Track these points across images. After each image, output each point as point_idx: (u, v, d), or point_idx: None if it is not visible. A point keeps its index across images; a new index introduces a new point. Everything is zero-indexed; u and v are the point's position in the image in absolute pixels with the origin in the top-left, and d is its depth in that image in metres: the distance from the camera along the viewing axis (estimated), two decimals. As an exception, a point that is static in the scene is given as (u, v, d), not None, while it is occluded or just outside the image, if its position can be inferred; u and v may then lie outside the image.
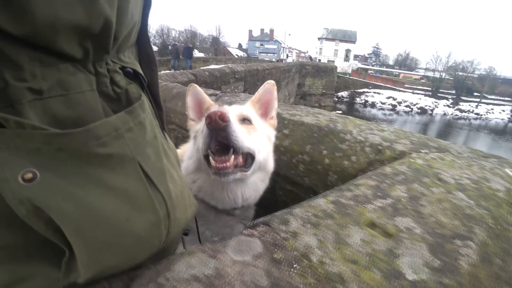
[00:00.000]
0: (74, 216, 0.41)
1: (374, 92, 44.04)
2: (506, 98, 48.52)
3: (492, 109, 43.35)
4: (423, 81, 59.51)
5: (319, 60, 63.69)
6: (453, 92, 48.54)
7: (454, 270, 0.59)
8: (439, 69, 55.55)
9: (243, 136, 1.00)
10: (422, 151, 1.27)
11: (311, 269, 0.52)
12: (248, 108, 1.25)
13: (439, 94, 46.83)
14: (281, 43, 78.16)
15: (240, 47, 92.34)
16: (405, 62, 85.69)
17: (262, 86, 1.31)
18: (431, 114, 40.86)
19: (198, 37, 65.87)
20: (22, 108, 0.38)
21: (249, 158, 1.08)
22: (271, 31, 79.45)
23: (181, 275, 0.46)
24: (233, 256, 0.52)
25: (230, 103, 2.24)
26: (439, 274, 0.57)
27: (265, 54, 72.77)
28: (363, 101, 42.57)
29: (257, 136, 1.14)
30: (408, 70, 79.63)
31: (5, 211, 0.37)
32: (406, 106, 41.89)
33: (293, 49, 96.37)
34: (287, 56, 74.12)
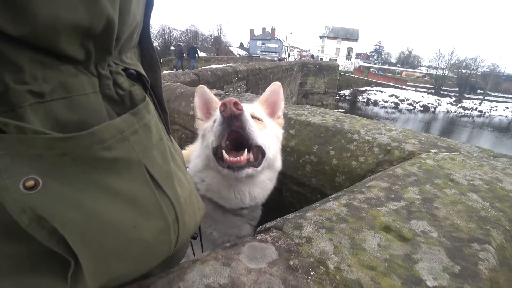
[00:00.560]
0: (79, 224, 0.40)
1: (377, 90, 43.92)
2: (510, 95, 48.18)
3: (495, 106, 43.07)
4: (426, 78, 59.24)
5: (321, 58, 63.55)
6: (456, 89, 48.33)
7: (475, 276, 0.57)
8: (442, 67, 55.23)
9: (256, 128, 1.00)
10: (432, 151, 1.25)
11: (328, 276, 0.51)
12: (257, 107, 1.26)
13: (442, 92, 46.62)
14: (282, 42, 77.99)
15: (241, 46, 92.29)
16: (408, 60, 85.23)
17: (269, 87, 1.31)
18: (434, 112, 40.67)
19: (200, 36, 65.84)
20: (23, 112, 0.37)
21: (259, 154, 1.08)
22: (273, 30, 79.35)
23: (195, 285, 0.45)
24: (248, 264, 0.51)
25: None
26: (460, 280, 0.55)
27: (266, 53, 72.60)
28: (365, 99, 42.47)
29: (267, 132, 1.14)
30: (411, 68, 79.22)
31: (7, 220, 0.36)
32: (409, 104, 41.75)
33: (294, 47, 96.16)
34: (289, 55, 73.93)
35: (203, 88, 1.29)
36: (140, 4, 0.53)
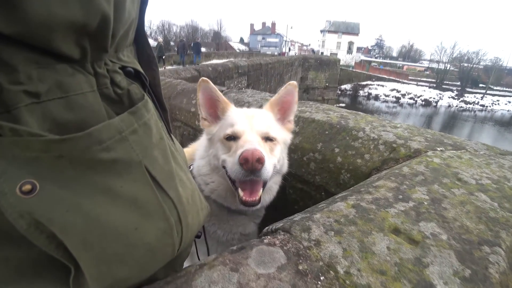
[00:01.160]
0: (79, 228, 0.39)
1: (378, 85, 43.73)
2: (512, 89, 47.88)
3: (497, 100, 42.88)
4: (428, 72, 58.88)
5: (322, 53, 63.20)
6: (458, 83, 48.07)
7: (486, 280, 0.56)
8: (444, 61, 54.83)
9: (271, 166, 1.01)
10: (438, 148, 1.24)
11: (338, 281, 0.50)
12: (269, 118, 1.19)
13: (443, 86, 46.39)
14: (283, 37, 77.45)
15: (241, 41, 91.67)
16: (409, 54, 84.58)
17: (283, 87, 1.23)
18: (435, 106, 40.50)
19: (200, 31, 65.33)
20: (19, 113, 0.36)
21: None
22: (273, 24, 78.71)
23: (204, 291, 0.44)
24: (256, 269, 0.50)
25: (237, 100, 2.21)
26: (471, 285, 0.54)
27: (267, 48, 72.22)
28: (366, 93, 42.31)
29: (278, 149, 1.13)
30: (412, 62, 78.65)
31: (5, 224, 0.35)
32: (410, 98, 41.58)
33: (295, 42, 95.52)
34: (289, 49, 73.51)
35: (206, 83, 1.15)
36: (135, 1, 0.52)
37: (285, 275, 0.49)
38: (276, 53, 49.79)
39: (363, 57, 72.04)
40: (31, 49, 0.36)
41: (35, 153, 0.36)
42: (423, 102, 40.89)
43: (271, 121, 1.19)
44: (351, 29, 73.36)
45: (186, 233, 0.55)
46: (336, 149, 1.40)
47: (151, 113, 0.53)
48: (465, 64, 51.46)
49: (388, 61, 75.01)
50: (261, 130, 1.10)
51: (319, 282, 0.49)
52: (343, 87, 41.56)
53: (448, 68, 52.49)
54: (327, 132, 1.50)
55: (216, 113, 1.20)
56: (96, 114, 0.43)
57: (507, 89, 48.66)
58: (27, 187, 0.35)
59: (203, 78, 1.17)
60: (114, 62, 0.50)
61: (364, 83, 43.91)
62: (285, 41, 76.49)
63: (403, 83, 45.74)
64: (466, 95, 43.50)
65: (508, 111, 40.38)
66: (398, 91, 42.41)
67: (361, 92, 42.53)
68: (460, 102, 41.73)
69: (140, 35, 0.60)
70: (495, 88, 48.63)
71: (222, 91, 2.59)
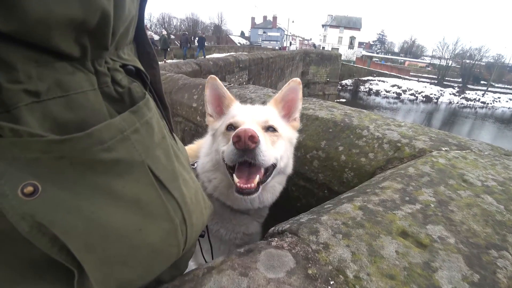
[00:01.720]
0: (81, 230, 0.38)
1: (379, 80, 43.57)
2: (514, 87, 47.74)
3: (499, 97, 42.78)
4: (429, 69, 58.60)
5: (323, 47, 62.83)
6: (460, 80, 47.89)
7: (494, 285, 0.56)
8: (446, 57, 54.48)
9: (269, 153, 0.96)
10: (443, 148, 1.23)
11: (348, 286, 0.50)
12: (272, 112, 1.18)
13: (445, 82, 46.22)
14: (284, 31, 76.79)
15: (242, 35, 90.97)
16: (411, 50, 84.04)
17: (286, 84, 1.22)
18: (436, 103, 40.43)
19: (200, 25, 64.80)
20: (19, 113, 0.35)
21: (270, 167, 1.04)
22: (274, 18, 78.03)
23: (214, 297, 0.44)
24: (266, 273, 0.50)
25: (239, 96, 2.19)
26: (480, 290, 0.54)
27: (268, 42, 71.69)
28: (367, 89, 42.18)
29: (280, 143, 1.09)
30: (414, 57, 78.22)
31: (7, 227, 0.34)
32: (411, 94, 41.46)
33: (296, 36, 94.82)
34: (290, 43, 72.93)
35: (214, 80, 1.18)
36: None
37: (294, 279, 0.49)
38: (277, 47, 49.44)
39: (364, 52, 71.59)
40: (30, 47, 0.36)
41: (35, 154, 0.35)
42: (424, 99, 40.79)
43: (274, 115, 1.17)
44: (353, 24, 72.75)
45: (191, 233, 0.55)
46: (340, 147, 1.40)
47: (152, 111, 0.52)
48: (467, 61, 51.19)
49: (389, 56, 74.59)
50: (261, 119, 1.09)
51: (329, 287, 0.49)
52: (344, 82, 41.42)
53: (449, 65, 52.22)
54: (331, 130, 1.49)
55: (221, 109, 1.21)
56: (97, 113, 0.43)
57: (508, 86, 48.51)
58: (29, 189, 0.34)
59: (212, 76, 1.18)
60: (114, 60, 0.49)
61: (365, 78, 43.73)
62: (286, 35, 75.86)
63: (404, 79, 45.57)
64: (467, 92, 43.39)
65: (509, 108, 40.34)
66: (399, 87, 42.27)
67: (362, 88, 42.38)
68: (461, 99, 41.65)
69: (140, 33, 0.59)
70: (496, 85, 48.48)
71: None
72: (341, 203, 0.77)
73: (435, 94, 41.69)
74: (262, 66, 11.47)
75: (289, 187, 1.66)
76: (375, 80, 43.55)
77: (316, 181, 1.51)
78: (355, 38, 73.07)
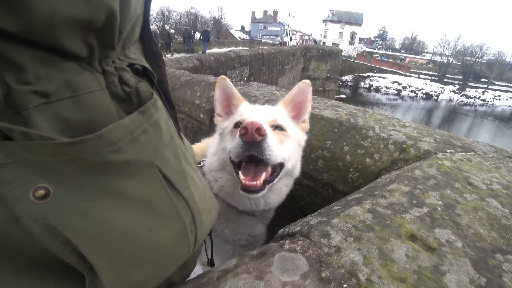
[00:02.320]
0: (93, 233, 0.39)
1: (379, 77, 43.47)
2: (514, 84, 47.68)
3: (499, 95, 42.76)
4: (430, 65, 58.42)
5: (324, 43, 62.45)
6: (460, 77, 47.79)
7: (501, 288, 0.58)
8: (447, 54, 54.29)
9: (276, 150, 0.95)
10: (448, 150, 1.24)
11: (360, 289, 0.51)
12: (281, 111, 1.18)
13: (445, 80, 46.15)
14: (284, 26, 76.29)
15: (242, 29, 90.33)
16: (412, 46, 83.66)
17: (296, 86, 1.22)
18: (436, 100, 40.39)
19: (200, 19, 64.20)
20: (29, 114, 0.35)
21: (277, 167, 1.03)
22: (275, 13, 77.42)
23: (233, 301, 0.45)
24: (281, 276, 0.51)
25: (243, 94, 2.19)
26: (487, 293, 0.56)
27: (268, 37, 71.24)
28: (367, 85, 42.11)
29: (289, 143, 1.08)
30: (415, 54, 77.90)
31: (17, 231, 0.35)
32: (411, 91, 41.43)
33: (297, 31, 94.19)
34: (291, 38, 72.54)
35: (225, 80, 1.19)
36: None
37: (309, 282, 0.50)
38: (277, 43, 49.15)
39: (365, 48, 71.30)
40: (37, 48, 0.35)
41: (46, 157, 0.35)
42: (424, 96, 40.78)
43: (283, 115, 1.17)
44: (354, 19, 72.29)
45: (200, 232, 0.55)
46: (346, 147, 1.41)
47: (160, 111, 0.52)
48: (468, 58, 51.04)
49: (390, 52, 74.30)
50: (269, 118, 1.08)
51: (342, 290, 0.50)
52: (344, 78, 41.30)
53: (450, 62, 52.07)
54: (336, 130, 1.50)
55: (230, 109, 1.22)
56: (106, 113, 0.43)
57: (509, 84, 48.45)
58: (41, 192, 0.34)
59: (222, 76, 1.19)
60: (121, 60, 0.49)
61: (366, 74, 43.63)
62: (287, 30, 75.39)
63: (405, 75, 45.47)
64: (467, 89, 43.36)
65: (509, 106, 40.35)
66: (399, 84, 42.21)
67: (362, 84, 42.31)
68: (461, 96, 41.63)
69: (146, 32, 0.59)
70: (497, 83, 48.45)
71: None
72: (350, 206, 0.78)
73: (435, 91, 41.66)
74: (263, 62, 11.43)
75: (293, 185, 1.68)
76: (375, 76, 43.45)
77: (320, 181, 1.52)
78: (356, 33, 72.67)
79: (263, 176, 0.95)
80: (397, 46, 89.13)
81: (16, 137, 0.33)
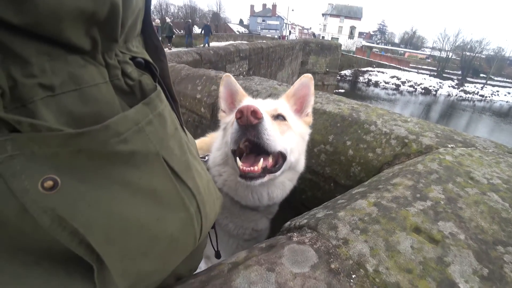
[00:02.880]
0: (101, 223, 0.39)
1: (378, 71, 43.39)
2: (512, 80, 47.76)
3: (497, 91, 42.83)
4: (429, 60, 58.30)
5: (323, 37, 62.08)
6: (459, 72, 47.75)
7: (502, 279, 0.60)
8: (446, 49, 54.14)
9: (275, 136, 0.94)
10: (449, 145, 1.26)
11: (368, 279, 0.53)
12: (283, 103, 1.19)
13: (444, 75, 46.14)
14: (283, 19, 75.67)
15: (241, 23, 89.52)
16: (411, 41, 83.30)
17: (298, 80, 1.23)
18: (435, 95, 40.43)
19: (198, 12, 63.54)
20: (35, 107, 0.35)
21: (280, 158, 1.03)
22: (274, 6, 76.74)
23: (246, 292, 0.47)
24: (291, 268, 0.53)
25: (245, 88, 2.19)
26: (489, 283, 0.58)
27: (267, 31, 70.77)
28: (366, 80, 42.02)
29: (291, 135, 1.08)
30: (414, 49, 77.65)
31: (27, 222, 0.35)
32: (410, 86, 41.39)
33: (296, 25, 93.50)
34: (290, 32, 71.94)
35: (229, 77, 1.21)
36: None
37: (319, 273, 0.52)
38: (276, 36, 48.82)
39: (364, 43, 70.96)
40: (41, 41, 0.36)
41: (54, 148, 0.35)
42: (423, 90, 40.77)
43: (284, 107, 1.17)
44: (353, 13, 71.77)
45: (205, 223, 0.56)
46: (348, 142, 1.42)
47: (164, 103, 0.52)
48: (468, 53, 50.97)
49: (389, 47, 74.02)
50: (269, 108, 1.08)
51: (351, 280, 0.52)
52: (343, 72, 41.14)
53: (450, 57, 51.99)
54: (338, 125, 1.51)
55: (234, 105, 1.23)
56: (110, 106, 0.43)
57: (507, 80, 48.53)
58: (49, 183, 0.35)
59: (226, 74, 1.21)
60: (124, 53, 0.49)
61: (365, 69, 43.51)
62: (286, 24, 74.79)
63: (404, 70, 45.43)
64: (466, 84, 43.39)
65: (507, 102, 40.46)
66: (398, 78, 42.15)
67: (361, 78, 42.20)
68: (459, 91, 41.67)
69: (147, 26, 0.59)
70: (495, 78, 48.47)
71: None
72: (355, 199, 0.80)
73: (434, 86, 41.66)
74: (262, 56, 11.37)
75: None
76: (374, 71, 43.36)
77: (322, 175, 1.54)
78: (355, 28, 72.21)
79: (261, 162, 0.94)
80: (396, 40, 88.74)
81: (24, 129, 0.34)
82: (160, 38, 0.65)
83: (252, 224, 1.22)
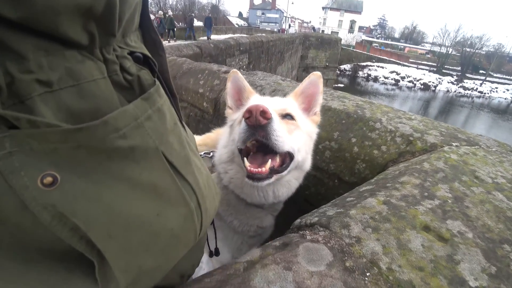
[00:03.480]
0: (101, 219, 0.39)
1: (378, 66, 43.26)
2: None
3: (496, 87, 42.89)
4: (429, 56, 58.14)
5: (323, 31, 61.70)
6: (459, 68, 47.70)
7: (509, 277, 0.61)
8: (446, 44, 53.95)
9: (284, 136, 0.93)
10: (453, 144, 1.27)
11: (382, 276, 0.55)
12: (291, 102, 1.18)
13: (444, 71, 46.09)
14: (283, 12, 74.93)
15: (240, 16, 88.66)
16: (412, 36, 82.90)
17: (307, 78, 1.22)
18: (434, 91, 40.44)
19: (197, 4, 62.77)
20: (33, 103, 0.35)
21: (287, 158, 1.02)
22: (274, -2, 75.83)
23: (265, 291, 0.48)
24: (308, 266, 0.54)
25: (249, 83, 2.19)
26: (497, 281, 0.59)
27: (266, 24, 70.14)
28: (365, 75, 41.93)
29: (298, 134, 1.07)
30: (414, 44, 77.35)
31: (26, 219, 0.35)
32: (409, 81, 41.36)
33: (295, 18, 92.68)
34: (289, 26, 71.32)
35: (236, 74, 1.20)
36: None
37: (335, 272, 0.53)
38: (275, 30, 48.38)
39: (364, 37, 70.58)
40: (38, 36, 0.35)
41: (53, 144, 0.35)
42: (422, 86, 40.78)
43: (293, 106, 1.17)
44: (354, 7, 71.17)
45: (205, 218, 0.56)
46: (353, 139, 1.43)
47: (163, 98, 0.52)
48: (467, 49, 50.83)
49: (389, 42, 73.66)
50: (278, 107, 1.07)
51: (366, 278, 0.53)
52: (342, 67, 41.02)
53: (450, 52, 51.86)
54: (343, 122, 1.52)
55: (240, 102, 1.23)
56: (109, 101, 0.42)
57: (507, 76, 48.57)
58: (49, 179, 0.35)
59: (234, 70, 1.20)
60: (122, 48, 0.48)
61: (364, 64, 43.37)
62: (286, 17, 74.07)
63: (404, 65, 45.31)
64: (465, 80, 43.43)
65: (505, 99, 40.55)
66: (397, 74, 42.10)
67: (360, 73, 42.11)
68: (459, 87, 41.72)
69: (145, 20, 0.58)
70: (495, 75, 48.52)
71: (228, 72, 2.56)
72: (364, 197, 0.81)
73: (433, 82, 41.66)
74: (262, 50, 11.29)
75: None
76: (374, 66, 43.24)
77: (326, 171, 1.55)
78: (355, 22, 71.68)
79: (269, 163, 0.93)
80: (396, 35, 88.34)
81: (22, 125, 0.33)
82: (166, 30, 0.63)
83: (257, 221, 1.22)
